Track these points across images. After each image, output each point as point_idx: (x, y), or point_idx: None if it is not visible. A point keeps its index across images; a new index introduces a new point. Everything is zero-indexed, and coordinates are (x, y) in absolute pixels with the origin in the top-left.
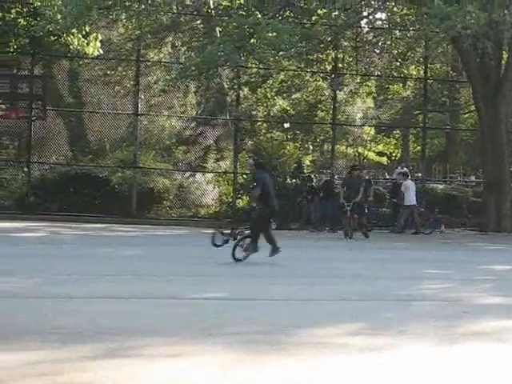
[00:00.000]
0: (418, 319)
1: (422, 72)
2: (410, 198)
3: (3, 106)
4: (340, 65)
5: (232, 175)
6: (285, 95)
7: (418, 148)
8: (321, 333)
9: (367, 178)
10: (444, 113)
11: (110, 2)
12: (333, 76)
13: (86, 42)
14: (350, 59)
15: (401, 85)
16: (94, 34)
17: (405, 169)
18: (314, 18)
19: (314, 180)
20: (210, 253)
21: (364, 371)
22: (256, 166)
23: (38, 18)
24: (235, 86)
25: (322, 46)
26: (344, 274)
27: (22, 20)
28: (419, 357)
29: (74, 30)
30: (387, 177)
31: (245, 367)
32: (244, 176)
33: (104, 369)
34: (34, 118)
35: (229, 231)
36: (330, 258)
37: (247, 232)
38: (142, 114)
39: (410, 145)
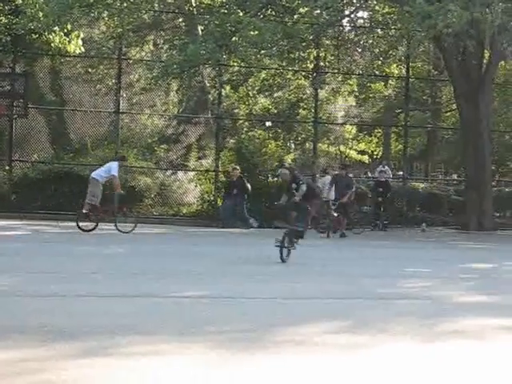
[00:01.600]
0: (399, 317)
1: (403, 70)
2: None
3: None
4: (322, 63)
5: (213, 173)
6: (267, 93)
7: (400, 146)
8: (301, 331)
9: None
10: (425, 111)
11: (91, 0)
12: (314, 74)
13: (67, 39)
14: (332, 58)
15: (382, 83)
16: (76, 32)
17: (386, 167)
18: (295, 16)
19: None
20: (191, 251)
21: (344, 369)
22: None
23: (20, 16)
24: (217, 85)
25: (303, 44)
26: (325, 273)
27: (3, 18)
28: (400, 355)
29: (55, 28)
30: (369, 175)
31: (226, 365)
32: (225, 174)
33: (85, 367)
34: (15, 116)
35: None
36: (311, 256)
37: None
38: (124, 113)
39: (392, 143)
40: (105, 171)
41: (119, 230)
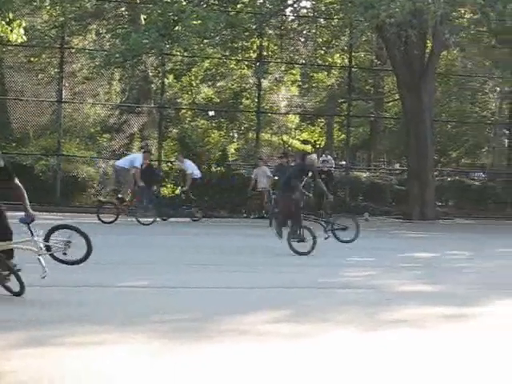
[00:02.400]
0: (342, 306)
1: (346, 60)
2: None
3: None
4: (265, 53)
5: (157, 163)
6: (210, 83)
7: (343, 136)
8: (245, 320)
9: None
10: (368, 101)
11: None
12: (258, 64)
13: (9, 28)
14: (275, 47)
15: (325, 73)
16: (18, 21)
17: (329, 156)
18: (238, 5)
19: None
20: (135, 241)
21: (287, 358)
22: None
23: None
24: (160, 74)
25: (246, 33)
26: (268, 263)
27: None
28: (342, 344)
29: None
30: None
31: (170, 354)
32: (169, 164)
33: (29, 356)
34: None
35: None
36: (255, 246)
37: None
38: (66, 102)
39: (335, 133)
40: (129, 161)
41: (139, 222)
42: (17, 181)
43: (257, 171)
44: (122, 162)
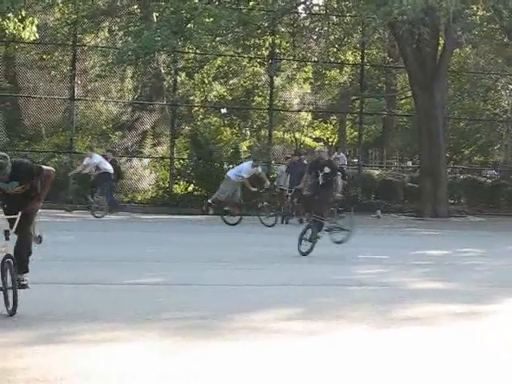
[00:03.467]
0: (355, 304)
1: (358, 58)
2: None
3: None
4: (277, 50)
5: (169, 160)
6: (222, 81)
7: (355, 133)
8: (257, 318)
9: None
10: (381, 98)
11: None
12: (270, 61)
13: (22, 26)
14: (287, 45)
15: (338, 70)
16: (31, 19)
17: (341, 154)
18: (251, 3)
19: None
20: (147, 238)
21: (299, 355)
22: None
23: None
24: (172, 71)
25: (259, 31)
26: (281, 260)
27: None
28: (355, 341)
29: (9, 15)
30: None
31: (182, 352)
32: (181, 161)
33: (40, 354)
34: None
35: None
36: (268, 243)
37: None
38: (79, 99)
39: (347, 130)
40: (237, 170)
41: (263, 223)
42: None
43: (280, 168)
44: (230, 172)
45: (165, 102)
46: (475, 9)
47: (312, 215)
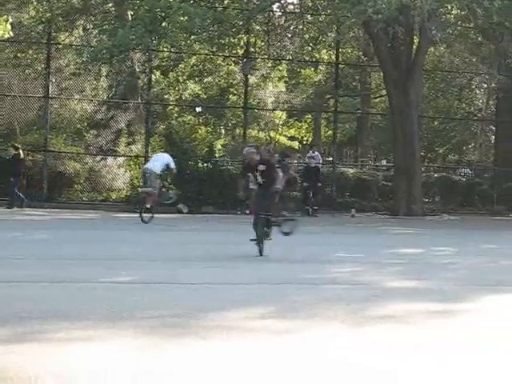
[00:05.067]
0: (328, 303)
1: (333, 56)
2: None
3: None
4: (252, 49)
5: (143, 159)
6: (197, 79)
7: (330, 132)
8: (231, 316)
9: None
10: (355, 97)
11: None
12: (244, 60)
13: None
14: (262, 43)
15: (312, 69)
16: (5, 16)
17: (316, 153)
18: (225, 1)
19: None
20: (121, 236)
21: (273, 354)
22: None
23: None
24: (147, 70)
25: (233, 30)
26: (253, 258)
27: None
28: (328, 340)
29: None
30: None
31: (156, 351)
32: None
33: (12, 353)
34: None
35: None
36: (239, 241)
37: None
38: (53, 98)
39: (322, 129)
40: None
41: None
42: None
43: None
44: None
45: (139, 101)
46: (449, 8)
47: (258, 214)
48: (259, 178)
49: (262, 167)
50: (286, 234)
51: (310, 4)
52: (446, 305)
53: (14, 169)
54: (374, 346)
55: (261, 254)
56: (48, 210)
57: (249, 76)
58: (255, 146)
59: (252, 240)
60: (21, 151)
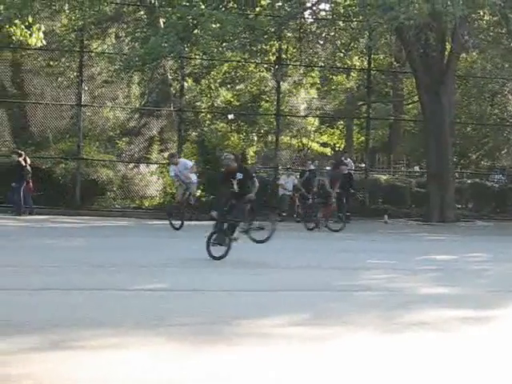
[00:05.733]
0: (362, 309)
1: (365, 63)
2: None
3: None
4: (284, 56)
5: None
6: (229, 86)
7: (362, 138)
8: (264, 323)
9: (312, 168)
10: (387, 103)
11: None
12: (276, 67)
13: (29, 32)
14: (294, 50)
15: (344, 75)
16: (37, 25)
17: (348, 159)
18: (257, 8)
19: None
20: (153, 244)
21: (306, 361)
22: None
23: None
24: (179, 77)
25: (265, 36)
26: (289, 265)
27: None
28: (362, 347)
29: (16, 21)
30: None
31: (189, 358)
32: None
33: (48, 361)
34: None
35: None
36: (275, 248)
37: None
38: (86, 105)
39: (354, 135)
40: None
41: (330, 229)
42: None
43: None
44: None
45: (172, 108)
46: (482, 13)
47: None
48: (235, 186)
49: (239, 175)
50: (260, 241)
51: (342, 10)
52: (479, 311)
53: (16, 175)
54: (408, 353)
55: (221, 258)
56: (81, 217)
57: (281, 83)
58: (234, 154)
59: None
60: (26, 158)
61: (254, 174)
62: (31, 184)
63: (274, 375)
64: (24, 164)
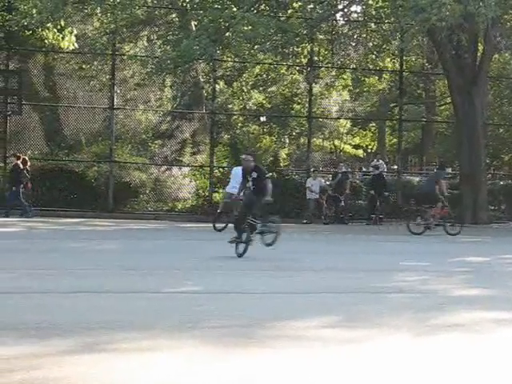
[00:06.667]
0: (395, 311)
1: (397, 64)
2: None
3: None
4: (316, 58)
5: (208, 169)
6: (261, 88)
7: (394, 140)
8: (298, 325)
9: (344, 170)
10: (420, 105)
11: None
12: (308, 69)
13: (61, 36)
14: (326, 52)
15: (376, 77)
16: (69, 28)
17: (380, 161)
18: (289, 11)
19: None
20: (186, 246)
21: (340, 363)
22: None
23: (14, 13)
24: (211, 80)
25: (297, 39)
26: (321, 267)
27: None
28: (396, 349)
29: (49, 24)
30: (364, 169)
31: (224, 360)
32: (220, 169)
33: (82, 363)
34: (9, 113)
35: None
36: (305, 250)
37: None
38: (118, 108)
39: (386, 137)
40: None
41: (447, 233)
42: None
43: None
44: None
45: (204, 111)
46: None
47: (246, 218)
48: (250, 184)
49: (254, 174)
50: (268, 244)
51: (374, 12)
52: None
53: (14, 178)
54: (442, 355)
55: (241, 255)
56: (113, 220)
57: (313, 85)
58: (251, 154)
59: (231, 241)
60: (26, 160)
61: (267, 175)
62: (30, 184)
63: (309, 378)
64: (22, 167)
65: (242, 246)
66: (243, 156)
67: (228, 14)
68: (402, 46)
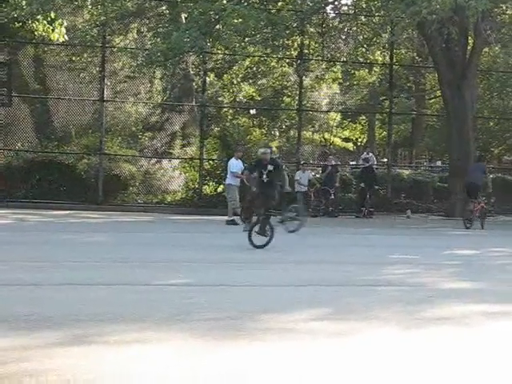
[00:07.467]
0: (384, 304)
1: (387, 58)
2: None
3: None
4: (306, 50)
5: (198, 161)
6: (251, 81)
7: (384, 133)
8: (287, 318)
9: (333, 163)
10: (410, 98)
11: None
12: (298, 62)
13: (51, 28)
14: (316, 45)
15: (366, 70)
16: (60, 20)
17: (370, 154)
18: (279, 3)
19: None
20: (176, 239)
21: (329, 356)
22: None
23: (3, 5)
24: (201, 72)
25: (287, 31)
26: (310, 260)
27: None
28: (385, 341)
29: (39, 16)
30: (353, 162)
31: (213, 353)
32: (210, 162)
33: (71, 355)
34: None
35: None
36: (294, 243)
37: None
38: (108, 101)
39: (376, 130)
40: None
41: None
42: None
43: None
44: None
45: (194, 103)
46: (504, 8)
47: (262, 210)
48: (264, 176)
49: (270, 167)
50: (292, 231)
51: (364, 5)
52: (503, 306)
53: None
54: (431, 348)
55: (262, 246)
56: (103, 212)
57: (303, 78)
58: (270, 148)
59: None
60: None
61: (284, 167)
62: None
63: (299, 370)
64: None
65: (263, 239)
66: (262, 150)
67: (218, 7)
68: (392, 39)
